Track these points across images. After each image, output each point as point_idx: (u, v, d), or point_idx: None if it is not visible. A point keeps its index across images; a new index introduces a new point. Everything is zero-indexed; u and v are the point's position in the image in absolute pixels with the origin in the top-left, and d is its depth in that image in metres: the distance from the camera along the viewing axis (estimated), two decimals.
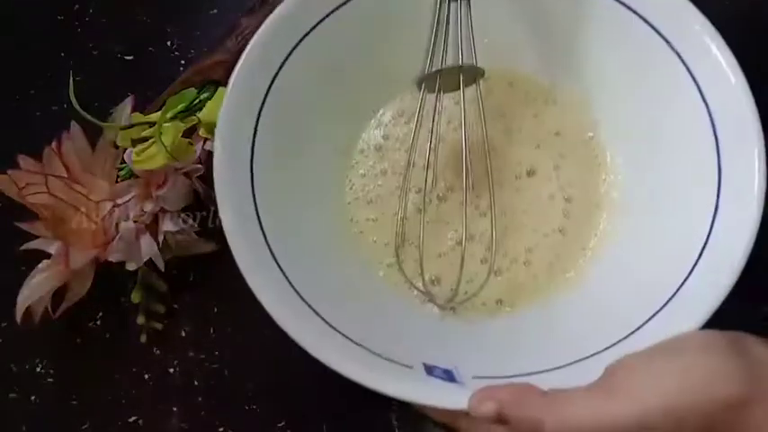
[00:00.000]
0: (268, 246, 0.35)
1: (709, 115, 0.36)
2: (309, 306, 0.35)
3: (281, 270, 0.35)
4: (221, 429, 0.40)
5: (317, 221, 0.40)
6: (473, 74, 0.39)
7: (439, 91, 0.39)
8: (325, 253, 0.39)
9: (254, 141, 0.37)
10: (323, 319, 0.34)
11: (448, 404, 0.31)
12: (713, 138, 0.36)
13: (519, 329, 0.38)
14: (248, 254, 0.34)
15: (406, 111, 0.43)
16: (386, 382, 0.32)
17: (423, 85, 0.39)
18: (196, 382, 0.41)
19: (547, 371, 0.33)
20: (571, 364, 0.33)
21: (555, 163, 0.42)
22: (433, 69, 0.39)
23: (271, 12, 0.42)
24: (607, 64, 0.40)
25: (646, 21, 0.38)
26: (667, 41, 0.38)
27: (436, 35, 0.39)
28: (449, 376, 0.33)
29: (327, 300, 0.35)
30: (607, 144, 0.42)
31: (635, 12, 0.38)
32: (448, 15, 0.39)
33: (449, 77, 0.39)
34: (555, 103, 0.43)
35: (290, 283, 0.35)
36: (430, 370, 0.33)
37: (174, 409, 0.41)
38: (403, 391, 0.32)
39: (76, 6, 0.51)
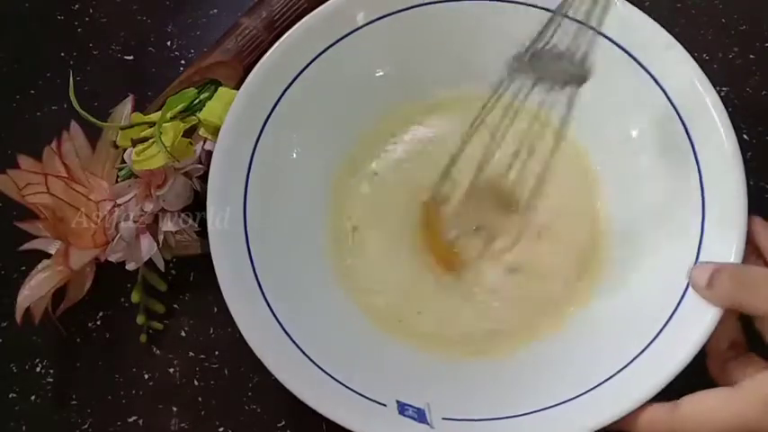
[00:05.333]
0: (253, 269, 0.36)
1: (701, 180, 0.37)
2: (286, 332, 0.35)
3: (262, 290, 0.36)
4: (221, 429, 0.40)
5: (304, 254, 0.40)
6: (580, 73, 0.34)
7: (529, 77, 0.35)
8: (309, 284, 0.39)
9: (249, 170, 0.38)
10: (298, 346, 0.35)
11: None
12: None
13: (496, 373, 0.38)
14: (234, 283, 0.36)
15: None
16: (356, 419, 0.33)
17: (515, 65, 0.35)
18: (196, 382, 0.41)
19: (517, 416, 0.34)
20: (542, 410, 0.34)
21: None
22: (540, 47, 0.33)
23: (270, 12, 0.42)
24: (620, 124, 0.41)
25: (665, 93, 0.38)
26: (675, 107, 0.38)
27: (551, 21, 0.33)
28: (420, 416, 0.34)
29: (305, 328, 0.36)
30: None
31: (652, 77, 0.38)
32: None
33: (548, 66, 0.34)
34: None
35: (269, 307, 0.36)
36: (403, 408, 0.34)
37: (174, 409, 0.41)
38: (371, 429, 0.33)
39: (76, 6, 0.51)
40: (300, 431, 0.40)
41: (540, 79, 0.35)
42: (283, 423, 0.40)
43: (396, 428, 0.33)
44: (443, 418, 0.34)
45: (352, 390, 0.34)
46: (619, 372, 0.34)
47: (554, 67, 0.34)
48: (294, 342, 0.35)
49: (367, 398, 0.34)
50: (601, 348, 0.36)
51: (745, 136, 0.44)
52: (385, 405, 0.34)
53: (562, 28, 0.33)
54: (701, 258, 0.35)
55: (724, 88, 0.45)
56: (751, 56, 0.47)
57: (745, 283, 0.33)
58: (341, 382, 0.34)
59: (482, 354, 0.38)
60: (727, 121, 0.36)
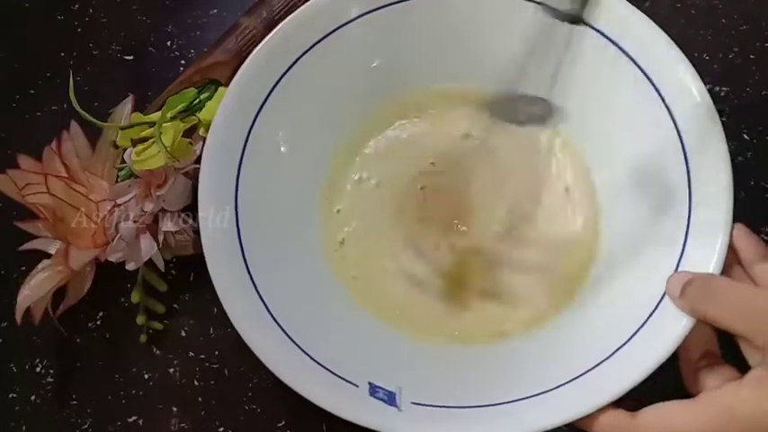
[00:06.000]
0: (241, 247, 0.37)
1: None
2: (268, 309, 0.36)
3: (252, 278, 0.36)
4: (221, 429, 0.40)
5: (296, 246, 0.40)
6: (547, 113, 0.36)
7: (497, 120, 0.37)
8: (293, 261, 0.39)
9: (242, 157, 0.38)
10: (278, 323, 0.35)
11: (381, 428, 0.33)
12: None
13: (470, 362, 0.38)
14: (225, 274, 0.36)
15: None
16: (324, 396, 0.33)
17: (490, 108, 0.37)
18: (196, 382, 0.41)
19: (486, 405, 0.34)
20: (509, 402, 0.34)
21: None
22: (511, 94, 0.35)
23: (270, 12, 0.42)
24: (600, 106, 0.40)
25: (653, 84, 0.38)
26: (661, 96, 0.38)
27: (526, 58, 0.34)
28: (389, 399, 0.34)
29: (286, 303, 0.36)
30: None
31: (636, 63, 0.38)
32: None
33: (513, 109, 0.36)
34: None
35: (257, 291, 0.36)
36: (373, 390, 0.34)
37: (174, 409, 0.41)
38: (340, 408, 0.33)
39: (76, 6, 0.51)
40: (300, 431, 0.40)
41: (517, 121, 0.37)
42: (283, 423, 0.40)
43: (363, 409, 0.34)
44: (412, 403, 0.34)
45: (325, 368, 0.34)
46: (588, 371, 0.34)
47: (521, 110, 0.36)
48: (278, 323, 0.35)
49: (339, 377, 0.34)
50: (574, 348, 0.36)
51: (745, 136, 0.44)
52: (357, 386, 0.34)
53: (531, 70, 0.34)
54: (682, 266, 0.35)
55: (724, 88, 0.45)
56: (751, 56, 0.47)
57: (708, 294, 0.33)
58: (316, 360, 0.35)
59: (460, 342, 0.39)
60: (719, 125, 0.36)
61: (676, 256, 0.35)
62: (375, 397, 0.34)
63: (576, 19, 0.31)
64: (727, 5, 0.48)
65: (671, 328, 0.33)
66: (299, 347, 0.35)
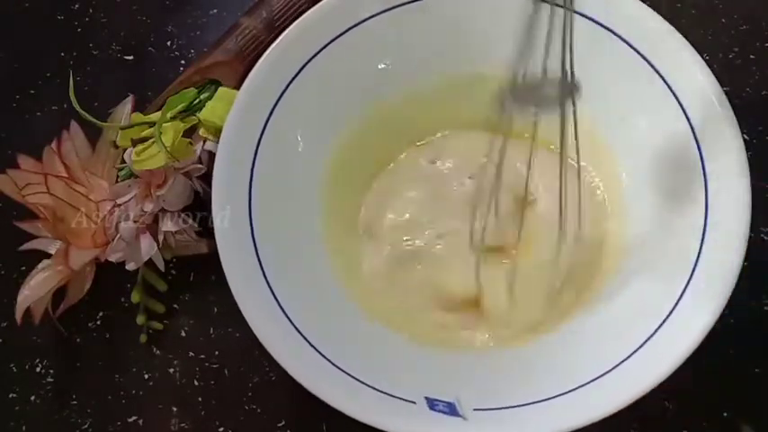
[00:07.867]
0: (263, 272, 0.36)
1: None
2: (307, 340, 0.35)
3: (278, 302, 0.35)
4: (221, 429, 0.40)
5: (314, 253, 0.39)
6: (570, 89, 0.35)
7: (528, 107, 0.36)
8: (322, 286, 0.39)
9: (253, 164, 0.38)
10: (320, 353, 0.35)
11: None
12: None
13: (518, 361, 0.38)
14: (243, 283, 0.35)
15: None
16: (389, 419, 0.33)
17: (508, 99, 0.36)
18: (196, 382, 0.41)
19: (547, 399, 0.33)
20: (568, 392, 0.33)
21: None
22: (525, 80, 0.35)
23: (270, 12, 0.42)
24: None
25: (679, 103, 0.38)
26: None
27: (526, 41, 0.35)
28: (451, 410, 0.33)
29: (324, 332, 0.35)
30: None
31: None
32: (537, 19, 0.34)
33: (539, 93, 0.36)
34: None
35: (288, 318, 0.35)
36: (432, 404, 0.34)
37: (174, 409, 0.41)
38: (404, 427, 0.32)
39: (76, 6, 0.51)
40: (300, 431, 0.40)
41: (538, 105, 0.36)
42: (283, 423, 0.40)
43: (429, 424, 0.33)
44: (474, 409, 0.34)
45: (380, 391, 0.34)
46: (638, 350, 0.34)
47: (545, 91, 0.35)
48: (319, 352, 0.35)
49: (394, 396, 0.34)
50: (615, 332, 0.36)
51: (745, 136, 0.44)
52: (414, 403, 0.34)
53: (543, 51, 0.34)
54: (702, 258, 0.34)
55: (724, 88, 0.45)
56: (751, 56, 0.47)
57: None
58: (368, 385, 0.34)
59: (502, 344, 0.38)
60: (737, 132, 0.36)
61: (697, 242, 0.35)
62: (436, 410, 0.33)
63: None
64: (727, 5, 0.48)
65: (698, 315, 0.33)
66: (351, 376, 0.34)
